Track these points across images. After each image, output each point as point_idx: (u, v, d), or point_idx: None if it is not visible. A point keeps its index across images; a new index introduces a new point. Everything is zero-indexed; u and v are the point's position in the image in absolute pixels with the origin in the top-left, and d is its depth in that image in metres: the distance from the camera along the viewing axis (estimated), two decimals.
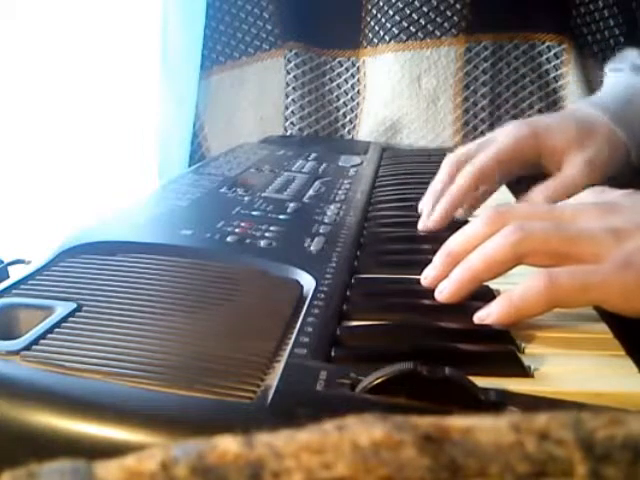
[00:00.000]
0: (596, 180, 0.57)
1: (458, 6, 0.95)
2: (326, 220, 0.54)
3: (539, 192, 0.57)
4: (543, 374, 0.33)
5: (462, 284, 0.38)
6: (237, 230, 0.50)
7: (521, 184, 0.61)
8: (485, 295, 0.40)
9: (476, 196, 0.59)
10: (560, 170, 0.58)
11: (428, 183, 0.61)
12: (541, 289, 0.34)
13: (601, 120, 0.60)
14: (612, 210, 0.38)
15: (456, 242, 0.40)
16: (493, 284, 0.41)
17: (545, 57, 0.97)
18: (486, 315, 0.37)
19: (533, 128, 0.59)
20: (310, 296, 0.39)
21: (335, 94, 1.03)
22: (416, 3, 0.96)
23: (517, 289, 0.36)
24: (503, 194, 0.64)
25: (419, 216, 0.58)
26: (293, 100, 1.01)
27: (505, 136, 0.59)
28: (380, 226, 0.57)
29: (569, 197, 0.54)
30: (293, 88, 1.01)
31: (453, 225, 0.54)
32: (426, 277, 0.41)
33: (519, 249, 0.37)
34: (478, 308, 0.38)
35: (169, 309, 0.36)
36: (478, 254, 0.38)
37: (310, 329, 0.35)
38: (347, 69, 1.02)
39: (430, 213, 0.56)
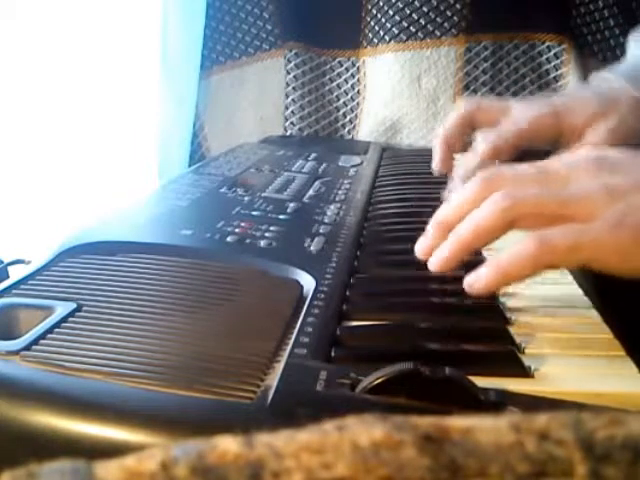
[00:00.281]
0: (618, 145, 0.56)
1: (458, 6, 0.95)
2: (326, 220, 0.54)
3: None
4: (543, 374, 0.32)
5: (453, 254, 0.38)
6: (237, 230, 0.50)
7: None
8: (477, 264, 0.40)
9: None
10: (583, 141, 0.58)
11: (428, 183, 0.61)
12: (530, 250, 0.34)
13: (624, 89, 0.58)
14: (609, 166, 0.37)
15: (447, 210, 0.40)
16: None
17: (545, 57, 0.97)
18: (475, 279, 0.36)
19: (555, 107, 0.58)
20: (310, 296, 0.39)
21: (335, 94, 1.03)
22: (416, 3, 0.96)
23: (507, 252, 0.35)
24: None
25: (419, 217, 0.58)
26: (293, 100, 1.01)
27: (525, 112, 0.58)
28: (380, 226, 0.57)
29: None
30: (293, 88, 1.01)
31: None
32: (419, 248, 0.40)
33: (509, 215, 0.36)
34: (479, 308, 0.38)
35: (169, 309, 0.36)
36: (468, 223, 0.37)
37: (310, 329, 0.35)
38: (347, 69, 1.02)
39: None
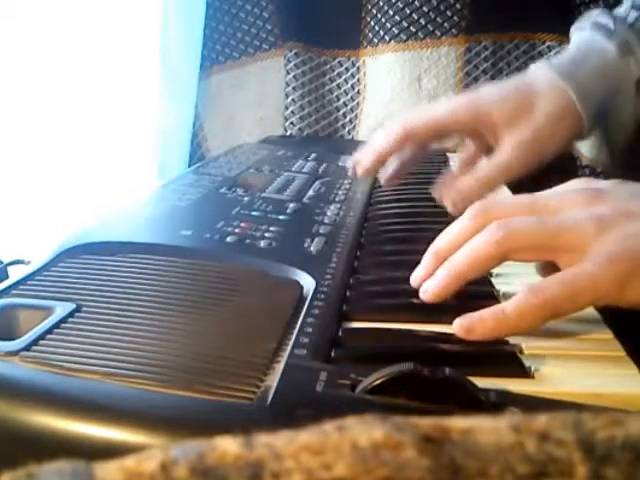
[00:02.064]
0: (529, 162, 0.57)
1: (458, 6, 0.95)
2: (326, 220, 0.54)
3: (471, 175, 0.58)
4: (543, 375, 0.32)
5: (446, 283, 0.38)
6: (237, 230, 0.50)
7: (523, 185, 0.61)
8: (486, 294, 0.40)
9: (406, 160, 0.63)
10: (497, 146, 0.58)
11: (428, 183, 0.61)
12: (535, 305, 0.34)
13: (549, 86, 0.58)
14: (597, 198, 0.38)
15: (442, 241, 0.40)
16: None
17: (546, 57, 0.97)
18: (475, 324, 0.35)
19: (471, 98, 0.59)
20: (310, 296, 0.39)
21: (335, 94, 1.03)
22: (416, 3, 0.96)
23: (509, 305, 0.35)
24: (504, 193, 0.64)
25: (419, 217, 0.58)
26: (293, 100, 1.01)
27: (444, 102, 0.60)
28: (380, 226, 0.57)
29: (500, 181, 0.57)
30: (293, 88, 1.01)
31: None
32: (415, 278, 0.41)
33: (503, 246, 0.37)
34: (479, 308, 0.38)
35: (169, 310, 0.36)
36: (462, 253, 0.38)
37: (310, 330, 0.35)
38: (347, 69, 1.02)
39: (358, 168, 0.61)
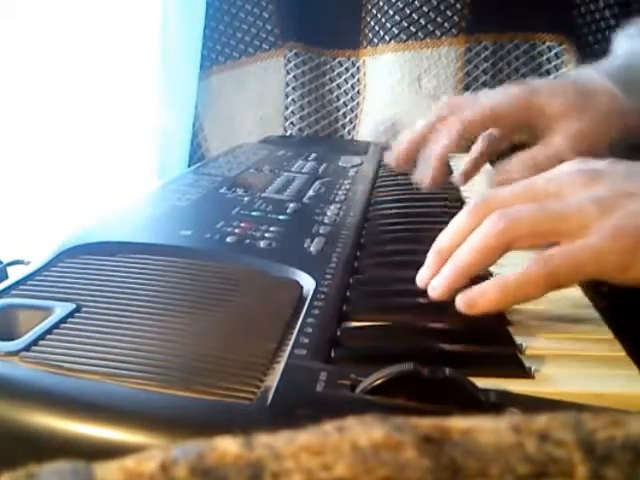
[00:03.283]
0: (583, 153, 0.56)
1: (458, 6, 0.95)
2: (326, 220, 0.54)
3: (520, 160, 0.57)
4: (543, 375, 0.32)
5: (453, 279, 0.38)
6: (237, 231, 0.49)
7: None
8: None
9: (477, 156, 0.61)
10: (550, 133, 0.58)
11: None
12: (538, 274, 0.34)
13: (603, 87, 0.58)
14: (595, 179, 0.37)
15: (444, 239, 0.40)
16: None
17: (546, 57, 0.97)
18: (477, 297, 0.36)
19: (529, 89, 0.58)
20: (310, 297, 0.39)
21: (335, 94, 1.03)
22: (416, 3, 0.96)
23: (511, 275, 0.35)
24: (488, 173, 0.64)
25: (419, 217, 0.58)
26: (293, 100, 1.01)
27: (499, 93, 0.58)
28: (380, 226, 0.57)
29: (548, 168, 0.56)
30: (293, 88, 1.01)
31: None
32: (421, 278, 0.41)
33: (505, 237, 0.36)
34: None
35: (168, 310, 0.36)
36: (465, 247, 0.38)
37: (310, 330, 0.35)
38: (347, 69, 1.02)
39: (423, 174, 0.58)
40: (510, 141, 0.62)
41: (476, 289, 0.36)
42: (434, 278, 0.39)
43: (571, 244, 0.35)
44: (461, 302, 0.36)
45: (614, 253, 0.34)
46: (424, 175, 0.58)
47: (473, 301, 0.36)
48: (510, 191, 0.40)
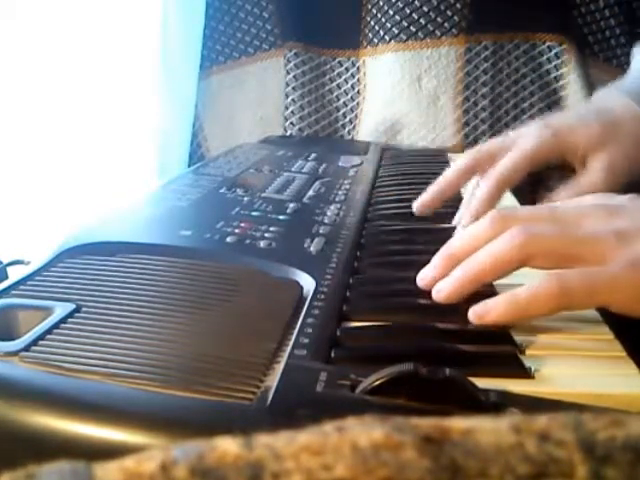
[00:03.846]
0: (617, 184, 0.56)
1: (458, 6, 0.95)
2: (326, 221, 0.54)
3: (559, 196, 0.57)
4: (544, 375, 0.32)
5: (464, 283, 0.38)
6: (237, 231, 0.49)
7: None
8: (490, 297, 0.40)
9: None
10: (584, 168, 0.57)
11: (428, 183, 0.61)
12: (551, 291, 0.34)
13: (629, 111, 0.58)
14: (616, 212, 0.38)
15: (458, 243, 0.40)
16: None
17: (546, 57, 0.97)
18: (486, 311, 0.36)
19: (555, 130, 0.58)
20: (310, 297, 0.39)
21: (335, 94, 1.03)
22: (416, 3, 0.96)
23: (524, 289, 0.35)
24: (507, 198, 0.64)
25: (419, 217, 0.58)
26: (293, 100, 1.01)
27: (527, 141, 0.58)
28: (380, 226, 0.57)
29: None
30: (293, 88, 1.01)
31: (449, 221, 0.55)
32: (424, 277, 0.40)
33: (525, 251, 0.36)
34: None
35: (168, 310, 0.36)
36: (482, 254, 0.37)
37: (310, 330, 0.35)
38: (347, 69, 1.02)
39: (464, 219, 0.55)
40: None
41: (490, 302, 0.36)
42: (442, 281, 0.39)
43: (588, 268, 0.35)
44: (473, 313, 0.36)
45: (630, 284, 0.34)
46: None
47: (484, 312, 0.36)
48: (531, 211, 0.40)
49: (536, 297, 0.35)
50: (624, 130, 0.58)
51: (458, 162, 0.59)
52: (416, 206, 0.58)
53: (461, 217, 0.56)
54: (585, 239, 0.36)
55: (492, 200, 0.56)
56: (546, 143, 0.57)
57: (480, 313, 0.36)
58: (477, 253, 0.38)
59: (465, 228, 0.54)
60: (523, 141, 0.58)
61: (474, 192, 0.57)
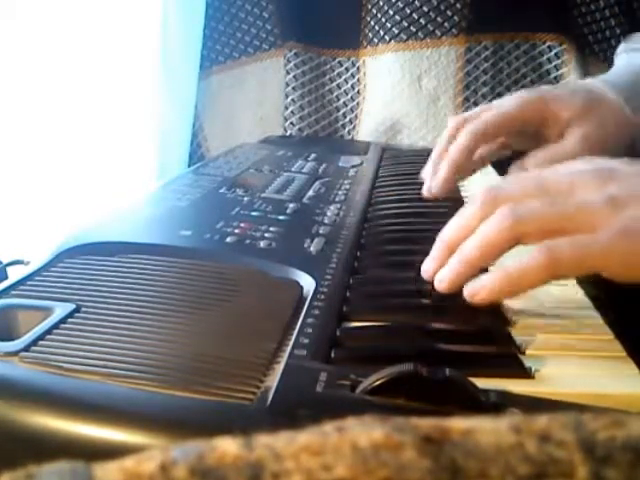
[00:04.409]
0: (595, 154, 0.56)
1: (458, 6, 0.95)
2: (326, 221, 0.54)
3: (532, 161, 0.57)
4: (544, 375, 0.32)
5: (460, 271, 0.38)
6: (236, 231, 0.49)
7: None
8: None
9: (477, 159, 0.60)
10: (560, 138, 0.58)
11: None
12: (541, 262, 0.34)
13: (610, 96, 0.59)
14: (609, 177, 0.37)
15: (451, 230, 0.40)
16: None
17: (546, 57, 0.97)
18: (478, 288, 0.36)
19: (540, 94, 0.58)
20: (310, 297, 0.39)
21: (335, 94, 1.03)
22: (416, 3, 0.96)
23: (514, 263, 0.35)
24: (490, 175, 0.64)
25: (420, 217, 0.58)
26: (293, 100, 1.01)
27: (511, 98, 0.58)
28: (380, 227, 0.57)
29: None
30: (293, 88, 1.01)
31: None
32: (426, 270, 0.40)
33: (514, 231, 0.36)
34: (479, 309, 0.38)
35: (168, 310, 0.36)
36: (473, 240, 0.37)
37: (310, 330, 0.35)
38: (347, 69, 1.02)
39: (432, 178, 0.56)
40: (509, 148, 0.62)
41: (480, 279, 0.36)
42: (441, 271, 0.39)
43: (579, 236, 0.35)
44: (466, 291, 0.36)
45: (621, 251, 0.34)
46: (434, 182, 0.57)
47: (475, 290, 0.36)
48: (520, 185, 0.39)
49: (526, 268, 0.34)
50: (606, 110, 0.58)
51: (441, 137, 0.59)
52: (426, 193, 0.58)
53: (438, 165, 0.56)
54: (575, 211, 0.36)
55: (469, 149, 0.56)
56: (530, 103, 0.58)
57: (473, 291, 0.36)
58: (469, 239, 0.38)
59: (434, 189, 0.56)
60: (508, 100, 0.58)
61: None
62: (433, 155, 0.59)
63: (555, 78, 0.97)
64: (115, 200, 0.77)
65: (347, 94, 1.02)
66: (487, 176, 0.62)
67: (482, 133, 0.56)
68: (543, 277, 0.34)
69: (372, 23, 0.99)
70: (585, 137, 0.56)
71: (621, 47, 0.74)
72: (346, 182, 0.69)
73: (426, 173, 0.59)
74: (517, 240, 0.36)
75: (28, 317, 0.35)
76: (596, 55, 0.98)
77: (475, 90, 0.97)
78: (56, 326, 0.33)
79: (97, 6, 0.81)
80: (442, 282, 0.38)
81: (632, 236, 0.34)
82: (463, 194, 0.66)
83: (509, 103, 0.58)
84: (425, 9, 0.96)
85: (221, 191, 0.62)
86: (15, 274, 0.41)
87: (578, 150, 0.56)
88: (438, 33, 0.96)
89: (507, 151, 0.62)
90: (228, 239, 0.48)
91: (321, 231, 0.51)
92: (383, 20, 0.98)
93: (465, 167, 0.57)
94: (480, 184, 0.63)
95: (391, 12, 0.97)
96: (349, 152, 0.87)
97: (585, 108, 0.57)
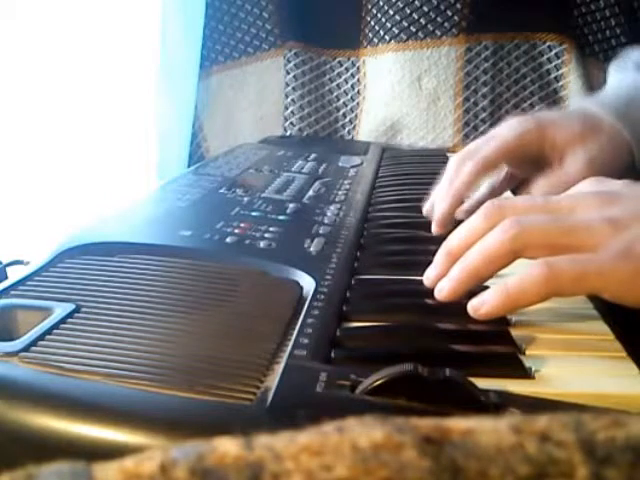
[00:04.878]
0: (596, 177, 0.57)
1: (458, 6, 0.95)
2: (326, 221, 0.54)
3: (538, 186, 0.57)
4: (544, 375, 0.32)
5: (461, 282, 0.38)
6: (236, 231, 0.49)
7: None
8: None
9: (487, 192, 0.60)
10: (561, 162, 0.58)
11: (428, 183, 0.61)
12: (540, 278, 0.34)
13: (605, 118, 0.60)
14: (610, 200, 0.38)
15: (455, 239, 0.40)
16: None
17: (546, 57, 0.97)
18: (480, 304, 0.36)
19: (537, 121, 0.58)
20: (310, 297, 0.39)
21: (335, 94, 1.03)
22: (416, 3, 0.96)
23: (514, 278, 0.35)
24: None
25: (419, 217, 0.58)
26: (293, 100, 1.01)
27: (509, 129, 0.58)
28: (380, 227, 0.57)
29: None
30: (293, 88, 1.01)
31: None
32: (428, 277, 0.41)
33: (516, 243, 0.36)
34: None
35: (168, 310, 0.36)
36: (476, 250, 0.38)
37: (310, 330, 0.35)
38: (347, 69, 1.02)
39: (435, 214, 0.56)
40: (516, 180, 0.62)
41: (482, 295, 0.36)
42: (442, 280, 0.39)
43: (579, 255, 0.35)
44: (470, 306, 0.37)
45: (621, 272, 0.34)
46: (436, 214, 0.56)
47: (478, 306, 0.36)
48: (525, 201, 0.40)
49: (525, 285, 0.35)
50: (603, 133, 0.58)
51: (446, 172, 0.59)
52: (436, 227, 0.56)
53: (441, 200, 0.56)
54: (577, 227, 0.36)
55: (471, 182, 0.56)
56: (527, 132, 0.58)
57: (476, 306, 0.36)
58: (471, 249, 0.38)
59: (435, 225, 0.55)
60: (506, 129, 0.59)
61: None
62: (436, 191, 0.58)
63: (555, 78, 0.97)
64: (115, 200, 0.77)
65: (347, 94, 1.02)
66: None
67: (482, 166, 0.56)
68: (542, 293, 0.35)
69: (372, 23, 0.99)
70: (586, 161, 0.57)
71: (612, 66, 0.74)
72: (346, 182, 0.69)
73: (431, 206, 0.58)
74: (519, 252, 0.37)
75: (28, 317, 0.35)
76: (596, 55, 0.98)
77: (475, 90, 0.97)
78: (56, 326, 0.33)
79: (97, 6, 0.81)
80: (442, 292, 0.39)
81: (632, 257, 0.34)
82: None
83: (507, 133, 0.58)
84: (425, 9, 0.96)
85: (221, 191, 0.62)
86: (15, 274, 0.41)
87: (580, 174, 0.56)
88: (438, 33, 0.96)
89: (513, 183, 0.62)
90: (228, 239, 0.48)
91: (321, 231, 0.51)
92: (383, 20, 0.98)
93: (467, 196, 0.57)
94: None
95: (391, 12, 0.97)
96: (349, 152, 0.87)
97: (583, 132, 0.58)
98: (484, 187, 0.61)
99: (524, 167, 0.60)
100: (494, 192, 0.61)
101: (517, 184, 0.62)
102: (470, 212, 0.59)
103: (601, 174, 0.56)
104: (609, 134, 0.59)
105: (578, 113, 0.61)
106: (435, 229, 0.54)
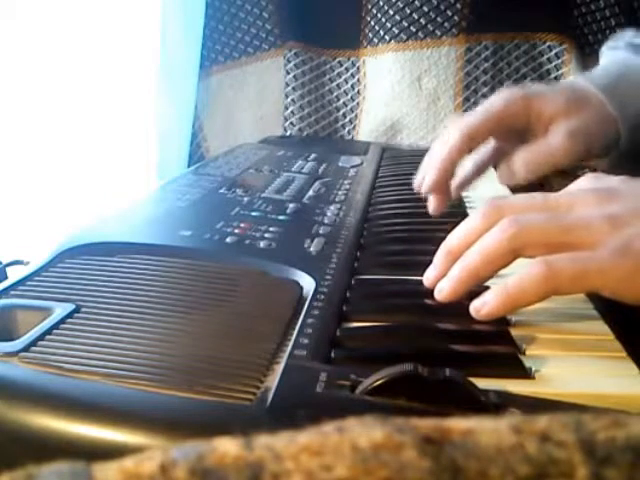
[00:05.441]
0: (577, 152, 0.57)
1: (458, 6, 0.95)
2: (326, 221, 0.54)
3: (521, 158, 0.57)
4: (544, 376, 0.32)
5: (461, 282, 0.38)
6: (236, 231, 0.49)
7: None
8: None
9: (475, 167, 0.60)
10: (546, 134, 0.58)
11: None
12: (539, 277, 0.34)
13: (593, 93, 0.60)
14: (609, 197, 0.38)
15: (454, 239, 0.40)
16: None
17: (546, 57, 0.97)
18: (481, 305, 0.36)
19: (525, 93, 0.58)
20: (310, 297, 0.39)
21: (335, 94, 1.03)
22: (416, 3, 0.96)
23: (513, 278, 0.35)
24: (494, 181, 0.64)
25: (419, 217, 0.58)
26: (293, 100, 1.01)
27: (496, 98, 0.59)
28: (380, 227, 0.57)
29: (547, 165, 0.56)
30: (293, 88, 1.01)
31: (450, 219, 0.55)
32: (428, 277, 0.41)
33: (515, 242, 0.36)
34: None
35: (168, 310, 0.36)
36: (475, 250, 0.38)
37: (310, 330, 0.35)
38: (347, 69, 1.02)
39: (424, 179, 0.57)
40: (502, 155, 0.62)
41: (484, 296, 0.36)
42: (442, 280, 0.39)
43: (578, 252, 0.35)
44: (472, 308, 0.37)
45: (620, 269, 0.34)
46: (427, 183, 0.57)
47: (479, 306, 0.36)
48: (524, 199, 0.40)
49: (525, 285, 0.35)
50: (590, 106, 0.58)
51: (435, 143, 0.60)
52: (422, 187, 0.58)
53: (431, 168, 0.56)
54: (576, 225, 0.36)
55: (460, 149, 0.56)
56: (514, 103, 0.58)
57: (477, 307, 0.36)
58: (470, 249, 0.38)
59: (424, 188, 0.56)
60: (494, 99, 0.59)
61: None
62: (425, 162, 0.59)
63: (555, 78, 0.97)
64: (115, 200, 0.77)
65: (347, 94, 1.02)
66: (491, 183, 0.62)
67: (468, 133, 0.56)
68: (542, 292, 0.35)
69: (372, 23, 0.99)
70: (570, 133, 0.57)
71: (605, 46, 0.74)
72: (346, 182, 0.69)
73: (419, 181, 0.59)
74: (518, 251, 0.37)
75: (28, 317, 0.35)
76: (596, 55, 0.98)
77: (475, 90, 0.97)
78: (56, 326, 0.33)
79: (97, 6, 0.81)
80: (441, 292, 0.39)
81: (632, 254, 0.34)
82: (464, 194, 0.66)
83: (493, 101, 0.58)
84: (425, 9, 0.96)
85: (221, 191, 0.62)
86: (15, 274, 0.41)
87: (563, 146, 0.56)
88: (438, 33, 0.96)
89: (500, 158, 0.62)
90: (228, 239, 0.48)
91: (321, 231, 0.51)
92: (383, 20, 0.98)
93: (455, 165, 0.58)
94: (484, 190, 0.63)
95: (391, 12, 0.97)
96: (349, 152, 0.87)
97: (569, 105, 0.58)
98: (470, 162, 0.61)
99: (510, 139, 0.60)
100: (480, 166, 0.61)
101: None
102: (460, 188, 0.61)
103: (584, 147, 0.57)
104: (596, 108, 0.58)
105: (567, 87, 0.61)
106: (423, 192, 0.56)
